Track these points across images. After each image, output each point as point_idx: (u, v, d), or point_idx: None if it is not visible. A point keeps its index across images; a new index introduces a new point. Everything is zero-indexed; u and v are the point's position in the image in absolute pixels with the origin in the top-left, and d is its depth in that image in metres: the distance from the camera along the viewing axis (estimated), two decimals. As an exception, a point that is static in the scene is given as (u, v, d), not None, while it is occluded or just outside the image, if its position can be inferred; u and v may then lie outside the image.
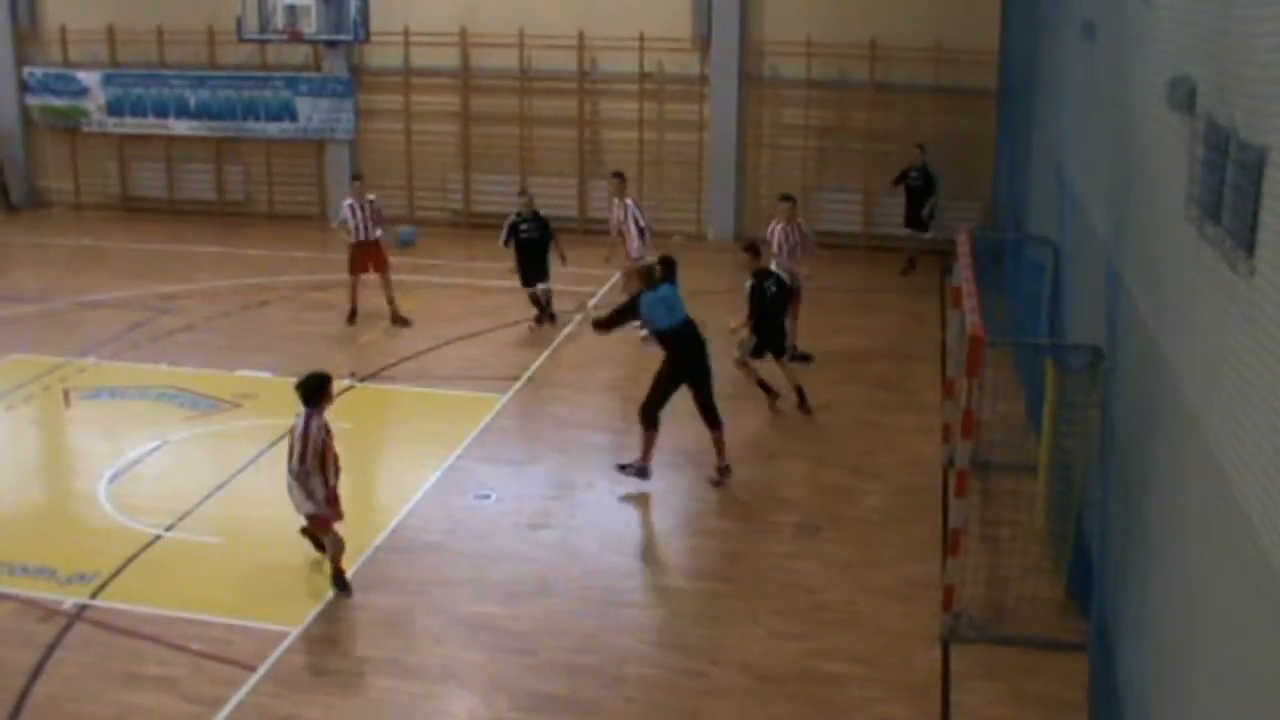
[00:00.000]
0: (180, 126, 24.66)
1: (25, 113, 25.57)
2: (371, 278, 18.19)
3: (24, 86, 25.39)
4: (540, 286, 17.77)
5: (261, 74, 24.24)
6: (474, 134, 23.79)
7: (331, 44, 23.58)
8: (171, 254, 22.18)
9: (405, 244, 22.20)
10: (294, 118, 24.17)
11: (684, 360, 12.76)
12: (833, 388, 15.62)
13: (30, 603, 10.78)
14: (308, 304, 19.20)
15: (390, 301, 18.05)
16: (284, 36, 23.52)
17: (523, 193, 18.61)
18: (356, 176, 19.26)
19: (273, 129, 24.29)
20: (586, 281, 18.92)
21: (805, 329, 16.62)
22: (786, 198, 17.07)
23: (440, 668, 9.90)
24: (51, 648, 10.11)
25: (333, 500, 10.79)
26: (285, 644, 10.08)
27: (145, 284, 20.28)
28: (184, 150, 25.05)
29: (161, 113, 24.71)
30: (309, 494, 10.57)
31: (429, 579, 11.16)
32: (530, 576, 11.27)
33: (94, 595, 10.84)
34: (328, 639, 10.19)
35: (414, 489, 12.91)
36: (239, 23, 23.48)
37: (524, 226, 17.60)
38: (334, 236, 18.96)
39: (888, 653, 10.00)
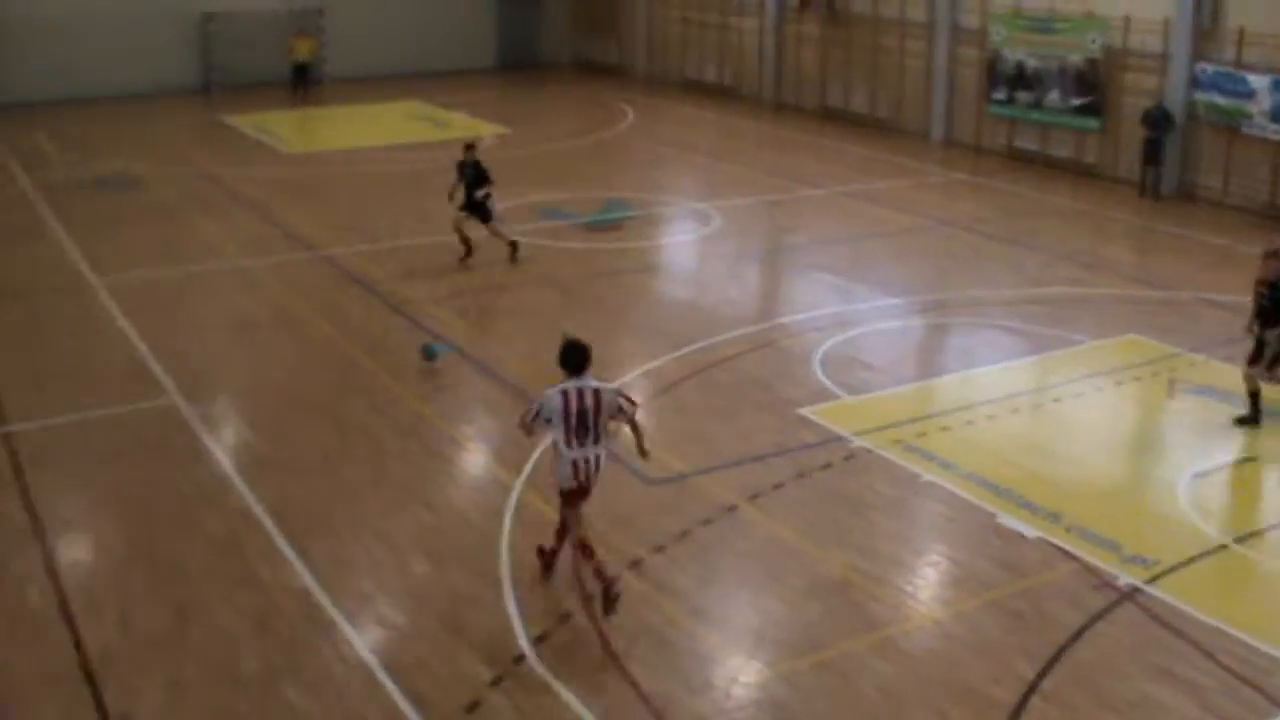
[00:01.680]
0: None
1: (1190, 107, 26.08)
2: None
3: (1195, 82, 25.89)
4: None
5: None
6: None
7: None
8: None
9: None
10: None
11: None
12: None
13: (1090, 569, 11.39)
14: None
15: None
16: None
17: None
18: None
19: None
20: None
21: None
22: None
23: None
24: (1097, 617, 10.63)
25: None
26: None
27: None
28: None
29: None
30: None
31: None
32: None
33: (1149, 581, 11.15)
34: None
35: None
36: None
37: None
38: None
39: None
